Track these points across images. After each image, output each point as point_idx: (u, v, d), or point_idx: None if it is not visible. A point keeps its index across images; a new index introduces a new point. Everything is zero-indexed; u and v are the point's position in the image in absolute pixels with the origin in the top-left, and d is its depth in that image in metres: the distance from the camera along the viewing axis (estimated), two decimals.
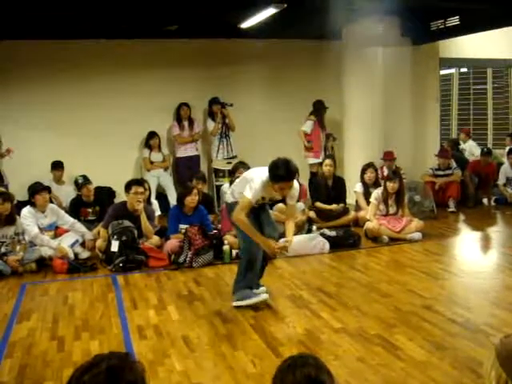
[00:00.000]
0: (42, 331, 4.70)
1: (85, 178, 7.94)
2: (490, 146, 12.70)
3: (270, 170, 4.87)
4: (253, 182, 4.96)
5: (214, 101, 9.81)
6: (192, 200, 7.08)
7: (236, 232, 5.55)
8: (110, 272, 6.52)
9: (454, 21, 9.00)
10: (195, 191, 7.16)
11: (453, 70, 13.63)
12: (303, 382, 1.78)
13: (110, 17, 7.83)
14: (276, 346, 4.24)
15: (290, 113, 10.29)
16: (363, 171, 8.55)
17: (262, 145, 10.04)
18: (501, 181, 10.19)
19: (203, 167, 10.00)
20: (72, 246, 6.97)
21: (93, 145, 9.46)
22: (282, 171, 4.80)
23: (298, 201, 7.94)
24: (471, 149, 12.00)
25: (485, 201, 10.20)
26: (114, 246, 6.61)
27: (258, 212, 5.27)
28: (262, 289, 5.37)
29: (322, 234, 7.39)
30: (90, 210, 7.89)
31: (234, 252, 6.90)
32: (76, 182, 8.04)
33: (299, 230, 7.68)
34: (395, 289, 5.58)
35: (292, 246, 6.94)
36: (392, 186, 7.70)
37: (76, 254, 6.96)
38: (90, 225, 7.59)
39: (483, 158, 10.42)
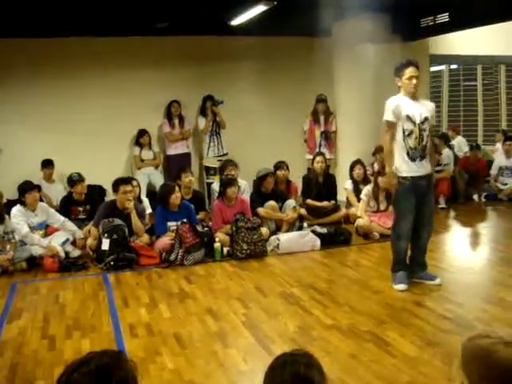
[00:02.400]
0: (33, 330, 4.69)
1: (79, 175, 7.90)
2: (480, 142, 12.77)
3: (394, 69, 5.45)
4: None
5: (208, 97, 9.79)
6: (176, 198, 7.09)
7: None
8: (101, 270, 6.50)
9: (444, 17, 9.01)
10: (177, 188, 7.18)
11: (443, 67, 13.68)
12: (292, 380, 1.78)
13: (100, 14, 7.80)
14: (267, 344, 4.24)
15: (282, 110, 10.30)
16: (351, 168, 8.57)
17: (253, 142, 10.05)
18: (493, 171, 10.27)
19: (194, 165, 9.97)
20: (63, 244, 6.94)
21: (83, 143, 9.42)
22: (403, 62, 5.41)
23: (288, 198, 8.02)
24: (460, 145, 12.06)
25: (475, 197, 10.23)
26: (105, 245, 6.60)
27: (422, 201, 5.54)
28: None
29: (313, 231, 7.39)
30: (80, 209, 7.86)
31: (225, 250, 6.91)
32: (70, 179, 7.95)
33: (290, 227, 7.70)
34: (386, 285, 5.59)
35: (283, 244, 7.03)
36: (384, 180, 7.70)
37: (67, 253, 6.93)
38: (80, 223, 7.56)
39: (472, 152, 10.51)
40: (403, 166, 5.41)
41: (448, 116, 14.06)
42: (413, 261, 5.70)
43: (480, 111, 13.75)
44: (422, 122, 5.40)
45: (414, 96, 5.43)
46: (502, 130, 12.58)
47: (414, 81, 5.35)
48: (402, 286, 5.46)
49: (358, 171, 8.50)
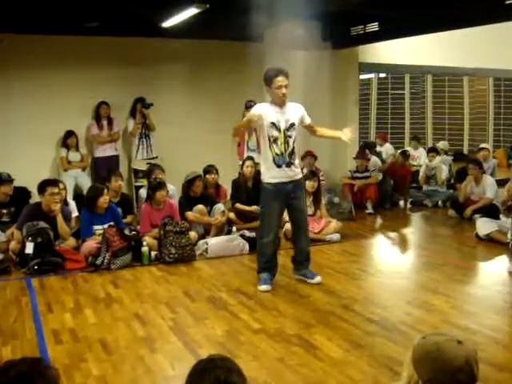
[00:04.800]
0: None
1: (9, 175, 7.66)
2: (406, 148, 13.08)
3: (264, 78, 5.52)
4: None
5: (139, 100, 9.66)
6: (105, 200, 6.96)
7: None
8: (24, 275, 6.30)
9: (374, 27, 9.19)
10: (106, 191, 7.05)
11: (372, 75, 13.97)
12: None
13: (27, 11, 7.59)
14: (195, 348, 4.21)
15: (213, 114, 10.25)
16: None
17: (183, 145, 9.95)
18: (421, 177, 10.64)
19: (123, 167, 9.81)
20: None
21: (7, 144, 9.11)
22: (272, 70, 5.49)
23: (217, 202, 8.00)
24: (388, 152, 12.32)
25: (401, 203, 10.47)
26: (29, 248, 6.40)
27: (292, 206, 5.76)
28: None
29: (242, 236, 7.39)
30: (4, 211, 7.60)
31: (153, 254, 6.83)
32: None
33: (219, 231, 7.68)
34: (314, 289, 5.64)
35: (211, 248, 7.00)
36: (312, 184, 7.76)
37: None
38: (3, 226, 7.31)
39: (401, 157, 10.70)
40: (268, 173, 5.62)
41: (376, 123, 14.35)
42: (295, 260, 5.99)
43: (407, 119, 14.09)
44: (288, 129, 5.55)
45: (283, 103, 5.56)
46: (413, 136, 12.94)
47: (284, 90, 5.45)
48: (265, 287, 5.66)
49: None
